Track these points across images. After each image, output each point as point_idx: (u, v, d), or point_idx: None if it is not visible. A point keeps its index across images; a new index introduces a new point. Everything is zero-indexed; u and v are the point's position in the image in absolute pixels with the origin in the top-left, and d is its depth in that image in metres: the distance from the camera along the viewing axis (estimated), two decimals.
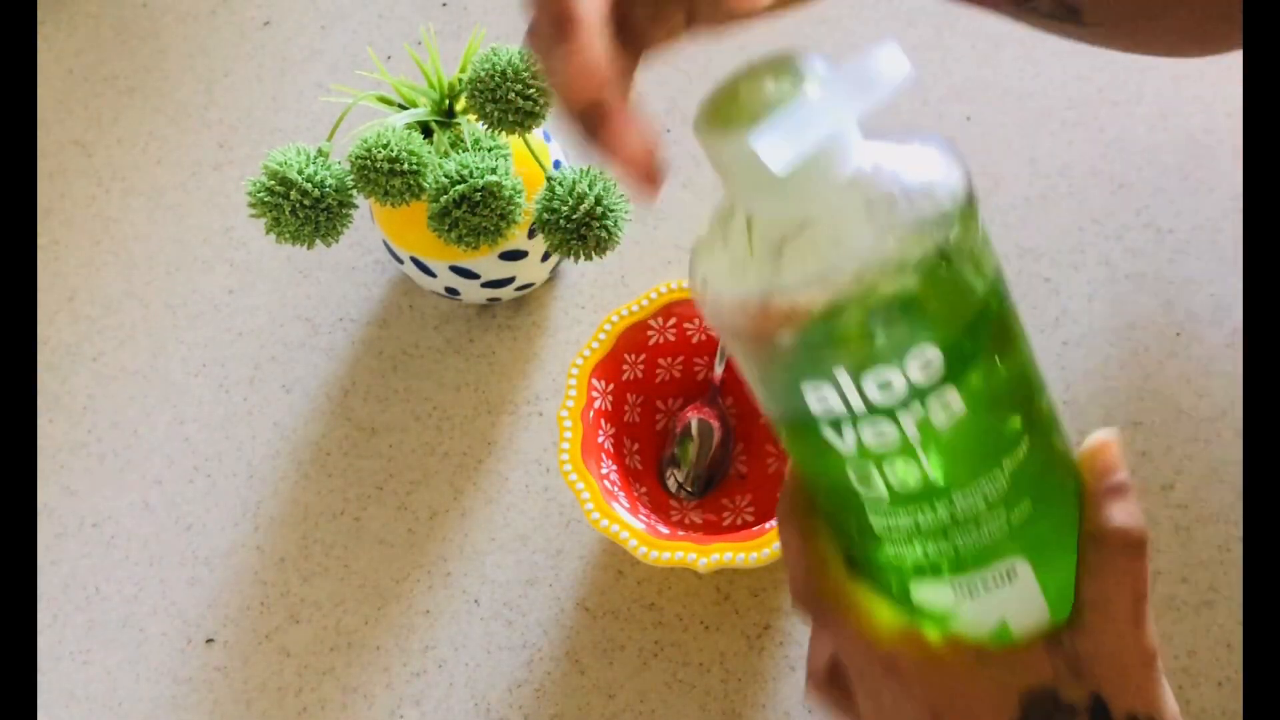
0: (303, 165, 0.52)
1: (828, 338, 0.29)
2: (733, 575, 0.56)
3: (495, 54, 0.52)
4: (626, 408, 0.56)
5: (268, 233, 0.53)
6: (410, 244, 0.58)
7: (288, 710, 0.56)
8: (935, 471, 0.31)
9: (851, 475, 0.31)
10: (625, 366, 0.56)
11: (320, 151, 0.54)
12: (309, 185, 0.52)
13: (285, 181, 0.52)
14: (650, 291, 0.55)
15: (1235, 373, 0.56)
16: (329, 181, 0.52)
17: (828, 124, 0.27)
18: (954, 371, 0.29)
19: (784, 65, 0.29)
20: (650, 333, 0.56)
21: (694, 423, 0.57)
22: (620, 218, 0.53)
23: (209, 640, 0.58)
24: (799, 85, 0.28)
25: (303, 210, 0.52)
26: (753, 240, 0.29)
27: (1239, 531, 0.53)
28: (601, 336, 0.55)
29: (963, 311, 0.29)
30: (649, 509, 0.54)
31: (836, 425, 0.30)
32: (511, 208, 0.52)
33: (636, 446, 0.57)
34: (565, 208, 0.52)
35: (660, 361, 0.57)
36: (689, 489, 0.57)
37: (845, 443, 0.30)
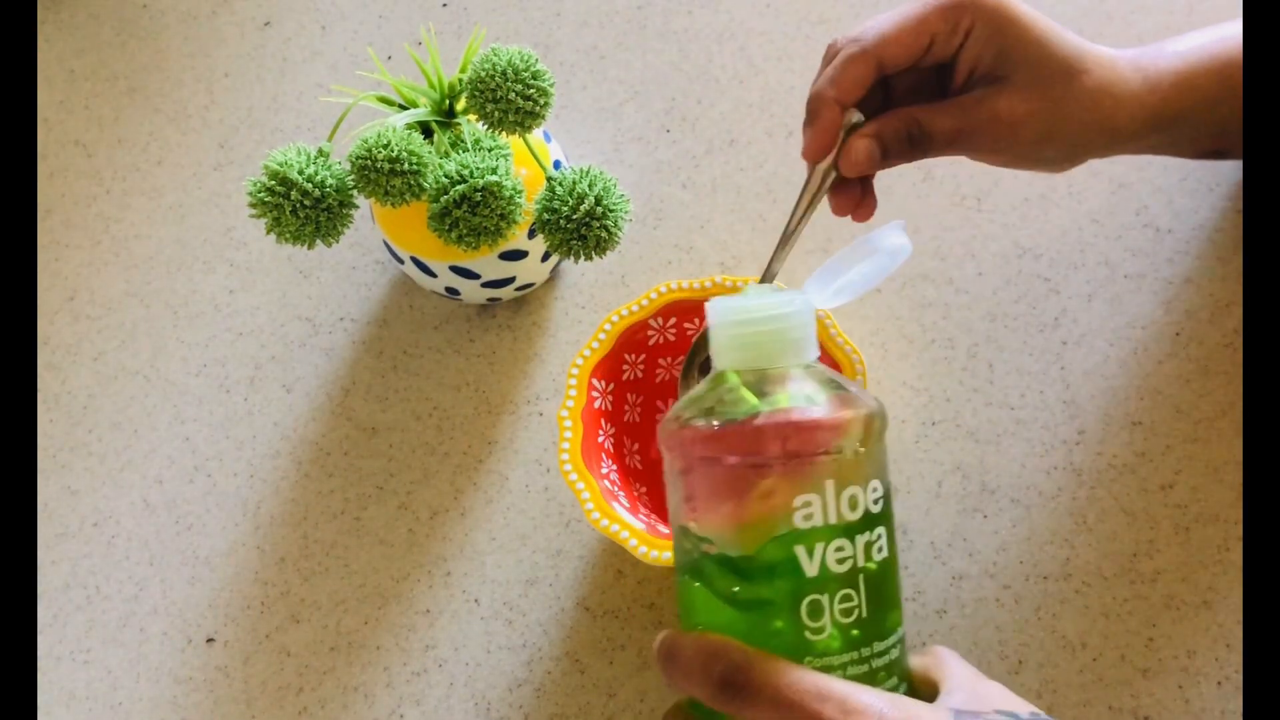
0: (303, 165, 0.52)
1: (832, 454, 0.35)
2: None
3: (495, 54, 0.52)
4: (626, 408, 0.56)
5: (268, 233, 0.53)
6: (410, 244, 0.58)
7: (288, 710, 0.56)
8: (865, 608, 0.36)
9: (803, 608, 0.35)
10: (625, 366, 0.55)
11: (320, 151, 0.54)
12: (309, 185, 0.52)
13: (285, 181, 0.51)
14: (650, 291, 0.55)
15: (1235, 373, 0.56)
16: (329, 181, 0.52)
17: (858, 288, 0.42)
18: (886, 513, 0.37)
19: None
20: (650, 333, 0.56)
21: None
22: (620, 218, 0.53)
23: (209, 640, 0.58)
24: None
25: (303, 210, 0.52)
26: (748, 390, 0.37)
27: (1239, 531, 0.53)
28: (601, 336, 0.54)
29: (884, 467, 0.38)
30: (649, 509, 0.54)
31: (809, 541, 0.35)
32: (511, 208, 0.52)
33: (636, 446, 0.57)
34: (565, 208, 0.52)
35: (660, 361, 0.57)
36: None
37: (811, 564, 0.35)
